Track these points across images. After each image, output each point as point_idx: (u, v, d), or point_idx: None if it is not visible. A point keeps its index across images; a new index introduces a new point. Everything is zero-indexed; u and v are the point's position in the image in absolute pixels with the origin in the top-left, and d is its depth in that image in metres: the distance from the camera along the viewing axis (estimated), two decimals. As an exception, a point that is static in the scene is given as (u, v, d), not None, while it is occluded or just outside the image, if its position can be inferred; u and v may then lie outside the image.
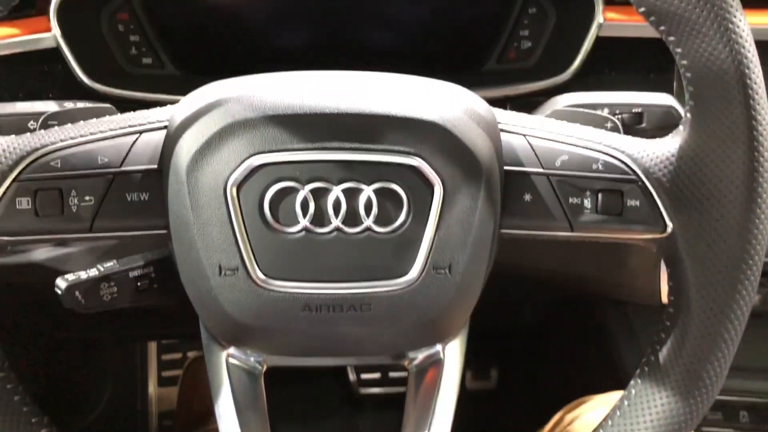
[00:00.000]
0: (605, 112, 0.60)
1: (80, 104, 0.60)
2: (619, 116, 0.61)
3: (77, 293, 0.57)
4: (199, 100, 0.47)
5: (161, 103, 0.74)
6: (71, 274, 0.58)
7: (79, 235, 0.47)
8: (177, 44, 0.82)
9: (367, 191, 0.45)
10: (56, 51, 0.72)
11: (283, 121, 0.44)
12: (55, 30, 0.71)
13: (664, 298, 0.81)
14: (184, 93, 0.76)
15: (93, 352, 1.15)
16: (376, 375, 1.34)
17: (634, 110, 0.61)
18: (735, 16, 0.43)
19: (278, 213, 0.45)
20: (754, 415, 0.89)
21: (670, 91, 0.76)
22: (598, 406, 0.77)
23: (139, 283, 0.59)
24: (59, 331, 0.98)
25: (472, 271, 0.46)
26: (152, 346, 1.27)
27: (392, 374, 1.35)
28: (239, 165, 0.44)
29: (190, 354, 1.32)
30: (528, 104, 0.69)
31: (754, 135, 0.44)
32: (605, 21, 0.74)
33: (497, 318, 1.12)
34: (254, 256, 0.44)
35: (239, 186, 0.44)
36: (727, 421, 0.89)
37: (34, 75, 0.73)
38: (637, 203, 0.48)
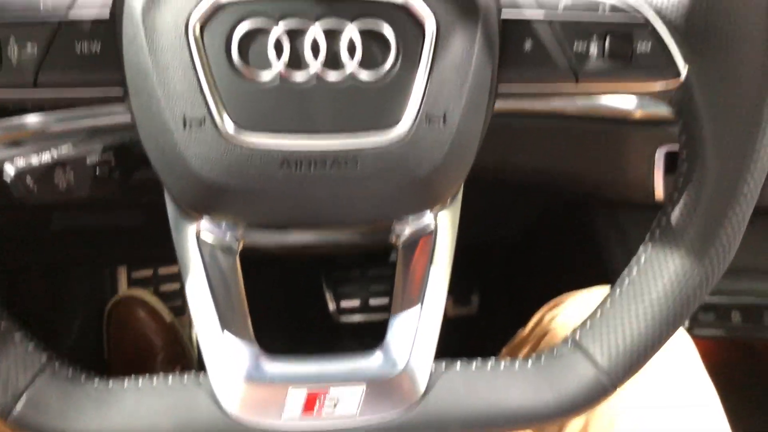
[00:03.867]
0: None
1: None
2: None
3: (28, 179, 0.52)
4: None
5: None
6: (20, 158, 0.52)
7: (23, 91, 0.41)
8: None
9: (350, 30, 0.39)
10: None
11: None
12: None
13: (659, 195, 0.78)
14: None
15: (57, 279, 1.09)
16: (356, 302, 1.31)
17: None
18: None
19: (248, 56, 0.39)
20: (747, 315, 0.87)
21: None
22: (583, 299, 0.72)
23: (98, 171, 0.54)
24: (16, 257, 0.92)
25: (469, 123, 0.42)
26: (122, 271, 1.21)
27: (372, 302, 1.32)
28: (201, 1, 0.39)
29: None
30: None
31: None
32: None
33: (478, 235, 1.08)
34: (223, 105, 0.39)
35: (203, 25, 0.39)
36: (719, 321, 0.87)
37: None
38: (648, 47, 0.43)
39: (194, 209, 0.44)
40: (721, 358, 1.28)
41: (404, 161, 0.41)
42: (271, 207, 0.42)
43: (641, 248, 0.47)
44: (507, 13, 0.43)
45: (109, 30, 0.41)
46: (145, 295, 1.25)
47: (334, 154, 0.40)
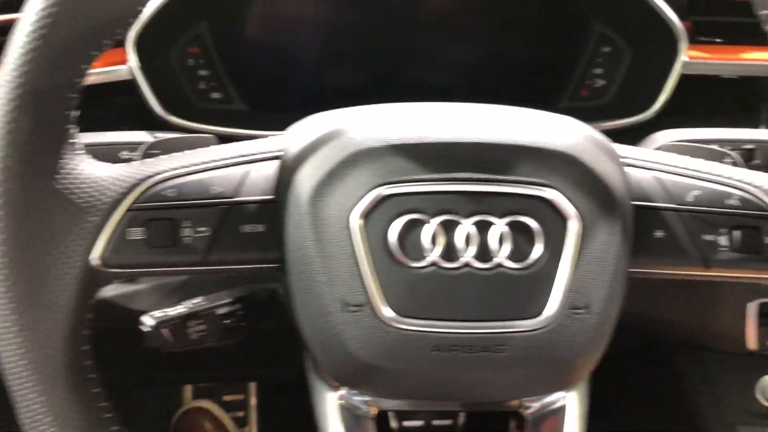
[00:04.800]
0: (715, 140, 0.58)
1: (172, 135, 0.59)
2: (729, 146, 0.59)
3: (165, 331, 0.54)
4: (314, 130, 0.45)
5: (235, 138, 0.73)
6: (158, 310, 0.55)
7: (192, 268, 0.44)
8: (245, 80, 0.80)
9: (499, 225, 0.42)
10: (130, 83, 0.71)
11: (410, 151, 0.42)
12: (133, 62, 0.69)
13: (751, 344, 0.78)
14: (251, 127, 0.75)
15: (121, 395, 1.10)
16: (420, 423, 1.29)
17: (744, 146, 0.59)
18: None
19: (405, 247, 0.42)
20: None
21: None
22: None
23: (226, 321, 0.56)
24: (122, 373, 0.94)
25: (609, 311, 0.44)
26: (187, 389, 1.21)
27: (435, 422, 1.30)
28: (364, 196, 0.42)
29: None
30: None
31: None
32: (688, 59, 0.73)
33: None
34: (381, 292, 0.42)
35: (365, 218, 0.42)
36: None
37: (107, 106, 0.72)
38: None
39: (341, 382, 0.46)
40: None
41: (549, 348, 0.42)
42: (417, 385, 0.44)
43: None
44: (638, 202, 0.46)
45: (272, 212, 0.45)
46: (211, 406, 1.26)
47: (484, 339, 0.42)
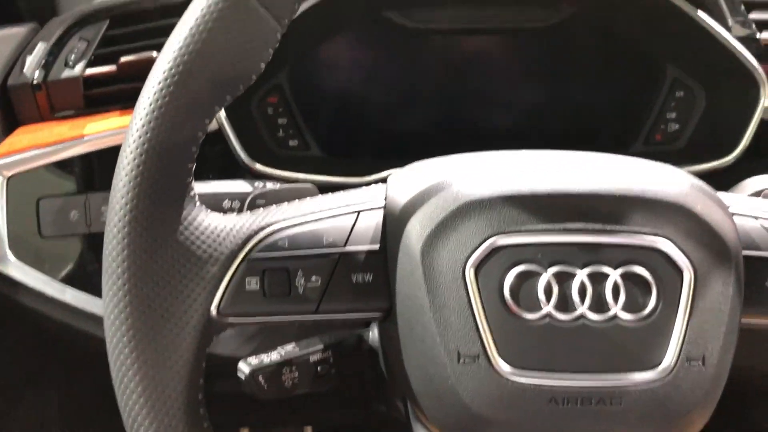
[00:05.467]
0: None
1: (270, 184, 0.60)
2: None
3: (260, 378, 0.55)
4: (420, 181, 0.46)
5: (314, 183, 0.75)
6: (253, 357, 0.56)
7: (304, 317, 0.45)
8: (320, 127, 0.82)
9: (614, 276, 0.42)
10: (217, 132, 0.73)
11: (521, 201, 0.43)
12: (221, 112, 0.72)
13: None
14: (329, 173, 0.77)
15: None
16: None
17: None
18: None
19: (519, 298, 0.42)
20: None
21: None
22: None
23: (318, 368, 0.57)
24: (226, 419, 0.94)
25: (724, 363, 0.43)
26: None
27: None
28: (478, 246, 0.42)
29: None
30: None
31: None
32: None
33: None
34: (495, 343, 0.42)
35: (477, 268, 0.42)
36: None
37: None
38: None
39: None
40: None
41: (666, 400, 0.42)
42: None
43: None
44: (747, 252, 0.45)
45: (380, 261, 0.45)
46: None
47: (600, 392, 0.41)
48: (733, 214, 0.46)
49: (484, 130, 0.84)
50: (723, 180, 0.66)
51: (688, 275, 0.42)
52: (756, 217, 0.46)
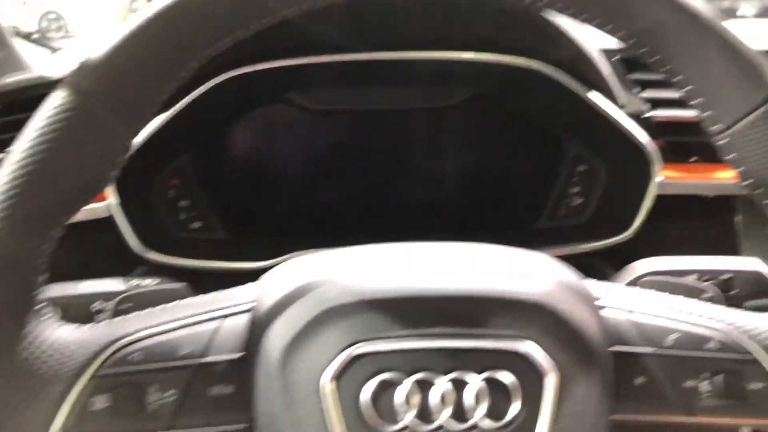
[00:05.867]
0: (693, 278, 0.58)
1: (147, 281, 0.58)
2: (709, 283, 0.58)
3: None
4: (287, 282, 0.44)
5: (216, 272, 0.73)
6: None
7: None
8: (225, 207, 0.81)
9: (475, 382, 0.41)
10: (109, 219, 0.71)
11: (383, 306, 0.42)
12: (112, 199, 0.70)
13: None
14: (232, 258, 0.75)
15: None
16: None
17: (722, 276, 0.59)
18: None
19: (379, 409, 0.41)
20: None
21: (735, 248, 0.74)
22: None
23: None
24: None
25: None
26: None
27: None
28: (337, 356, 0.41)
29: None
30: (584, 265, 0.68)
31: None
32: (663, 179, 0.74)
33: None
34: None
35: (337, 379, 0.41)
36: None
37: (85, 244, 0.72)
38: (762, 386, 0.44)
39: None
40: None
41: None
42: None
43: None
44: (615, 347, 0.45)
45: (242, 370, 0.43)
46: None
47: None
48: (602, 307, 0.46)
49: (391, 207, 0.84)
50: (623, 255, 0.67)
51: (551, 379, 0.42)
52: (626, 311, 0.46)
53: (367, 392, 0.41)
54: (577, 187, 0.82)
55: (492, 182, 0.83)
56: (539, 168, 0.83)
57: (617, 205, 0.79)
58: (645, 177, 0.74)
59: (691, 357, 0.45)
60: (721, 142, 0.41)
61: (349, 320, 0.41)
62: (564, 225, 0.82)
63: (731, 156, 0.41)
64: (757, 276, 0.57)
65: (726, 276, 0.57)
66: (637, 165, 0.75)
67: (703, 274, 0.57)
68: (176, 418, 0.42)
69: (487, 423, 0.41)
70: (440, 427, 0.41)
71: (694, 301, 0.47)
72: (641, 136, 0.74)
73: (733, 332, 0.45)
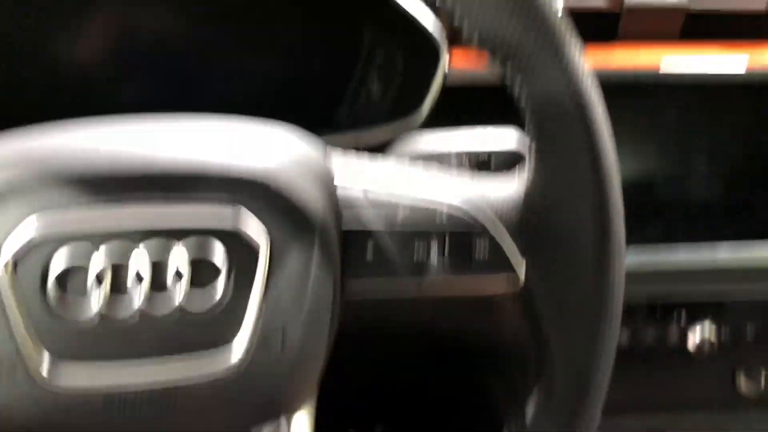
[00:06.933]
0: (452, 153, 0.57)
1: None
2: (466, 158, 0.58)
3: None
4: None
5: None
6: None
7: None
8: None
9: (177, 259, 0.38)
10: None
11: (72, 174, 0.37)
12: None
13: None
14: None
15: None
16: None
17: (480, 155, 0.58)
18: (570, 50, 0.41)
19: (66, 293, 0.37)
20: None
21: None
22: None
23: None
24: None
25: (310, 342, 0.41)
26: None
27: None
28: (13, 230, 0.36)
29: None
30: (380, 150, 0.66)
31: (598, 167, 0.42)
32: (451, 67, 0.73)
33: (373, 377, 1.06)
34: (36, 349, 0.36)
35: (13, 265, 0.36)
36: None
37: None
38: (486, 255, 0.44)
39: None
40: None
41: (244, 389, 0.39)
42: None
43: None
44: (347, 224, 0.43)
45: None
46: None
47: (165, 392, 0.37)
48: (337, 186, 0.44)
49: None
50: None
51: (263, 255, 0.39)
52: (361, 190, 0.44)
53: (52, 274, 0.37)
54: (374, 75, 0.79)
55: (285, 72, 0.79)
56: (337, 57, 0.79)
57: (411, 95, 0.77)
58: (434, 64, 0.73)
59: (421, 232, 0.44)
60: None
61: (31, 194, 0.37)
62: (362, 113, 0.80)
63: None
64: (514, 151, 0.57)
65: (484, 154, 0.57)
66: (427, 52, 0.73)
67: (462, 153, 0.56)
68: None
69: (192, 305, 0.38)
70: (138, 311, 0.38)
71: (432, 175, 0.46)
72: (427, 23, 0.72)
73: (462, 204, 0.44)
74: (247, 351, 0.39)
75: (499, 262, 0.44)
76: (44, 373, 0.36)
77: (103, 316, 0.37)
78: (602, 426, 0.54)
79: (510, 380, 0.87)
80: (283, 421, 0.45)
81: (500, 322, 0.76)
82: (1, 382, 0.36)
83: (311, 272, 0.40)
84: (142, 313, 0.37)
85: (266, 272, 0.39)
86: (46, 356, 0.36)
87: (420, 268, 0.44)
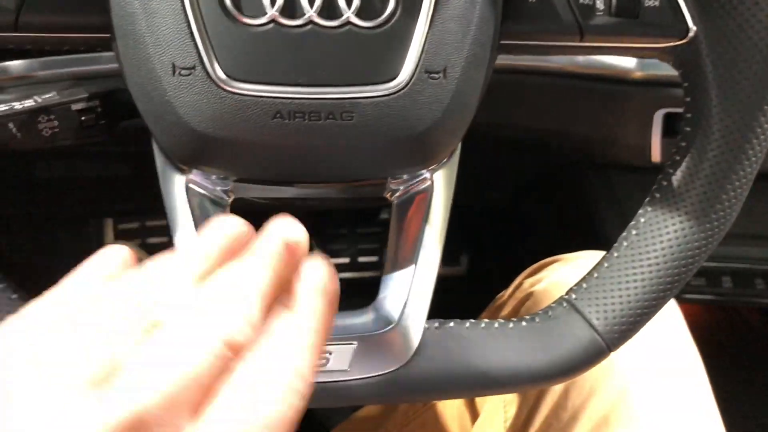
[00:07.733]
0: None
1: None
2: None
3: (11, 125, 0.50)
4: None
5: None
6: (2, 104, 0.50)
7: (3, 35, 0.39)
8: None
9: None
10: None
11: None
12: None
13: (656, 157, 0.77)
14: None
15: (42, 231, 1.07)
16: (345, 260, 1.31)
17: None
18: None
19: (241, 1, 0.37)
20: (738, 281, 0.87)
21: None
22: (567, 265, 0.68)
23: (83, 118, 0.52)
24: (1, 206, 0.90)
25: (470, 78, 0.40)
26: (108, 223, 1.18)
27: (362, 259, 1.31)
28: None
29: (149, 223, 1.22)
30: None
31: None
32: None
33: (469, 195, 1.07)
34: (214, 52, 0.37)
35: None
36: (709, 287, 0.87)
37: None
38: (657, 3, 0.41)
39: (183, 161, 0.42)
40: (707, 321, 1.30)
41: (403, 114, 0.39)
42: (261, 159, 0.40)
43: (641, 211, 0.46)
44: None
45: None
46: (132, 248, 1.23)
47: (330, 105, 0.38)
48: None
49: None
50: None
51: None
52: None
53: None
54: None
55: None
56: None
57: None
58: None
59: None
60: None
61: None
62: None
63: None
64: None
65: None
66: None
67: None
68: (22, 14, 0.39)
69: (360, 21, 0.38)
70: (309, 22, 0.38)
71: None
72: None
73: None
74: (411, 77, 0.39)
75: (668, 14, 0.42)
76: (221, 78, 0.37)
77: (277, 23, 0.37)
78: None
79: (616, 197, 0.86)
80: (426, 174, 0.45)
81: (629, 122, 0.74)
82: (181, 83, 0.37)
83: (477, 6, 0.39)
84: (312, 24, 0.37)
85: (433, 2, 0.38)
86: (222, 61, 0.37)
87: (585, 13, 0.42)
